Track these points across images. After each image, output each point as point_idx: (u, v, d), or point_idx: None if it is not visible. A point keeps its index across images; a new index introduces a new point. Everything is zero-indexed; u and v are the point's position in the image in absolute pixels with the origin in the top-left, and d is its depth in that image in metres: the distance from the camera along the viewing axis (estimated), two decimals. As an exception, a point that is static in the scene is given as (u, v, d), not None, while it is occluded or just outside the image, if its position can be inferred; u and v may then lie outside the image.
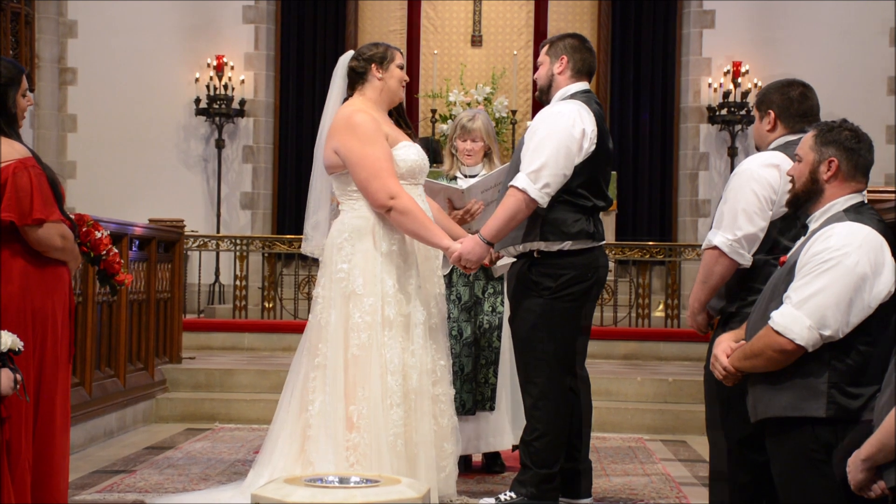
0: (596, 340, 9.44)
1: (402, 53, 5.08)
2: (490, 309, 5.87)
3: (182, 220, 9.02)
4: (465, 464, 5.96)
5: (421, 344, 4.77)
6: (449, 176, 6.02)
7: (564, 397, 5.04)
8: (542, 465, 4.98)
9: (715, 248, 4.01)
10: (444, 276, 5.70)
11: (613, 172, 11.11)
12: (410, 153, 4.90)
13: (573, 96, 5.03)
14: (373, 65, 4.94)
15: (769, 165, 4.01)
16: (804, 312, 3.42)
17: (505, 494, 5.04)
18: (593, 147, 4.94)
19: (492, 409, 5.85)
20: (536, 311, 4.99)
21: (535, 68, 5.25)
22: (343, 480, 3.29)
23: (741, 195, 3.99)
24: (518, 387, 5.28)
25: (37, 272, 4.00)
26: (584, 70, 5.09)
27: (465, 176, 5.98)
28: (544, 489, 4.98)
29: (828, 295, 3.41)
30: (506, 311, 5.64)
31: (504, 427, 5.89)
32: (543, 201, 4.85)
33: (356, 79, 4.97)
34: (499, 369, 5.86)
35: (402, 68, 5.02)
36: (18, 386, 3.70)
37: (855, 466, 3.20)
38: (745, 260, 4.00)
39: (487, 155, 6.01)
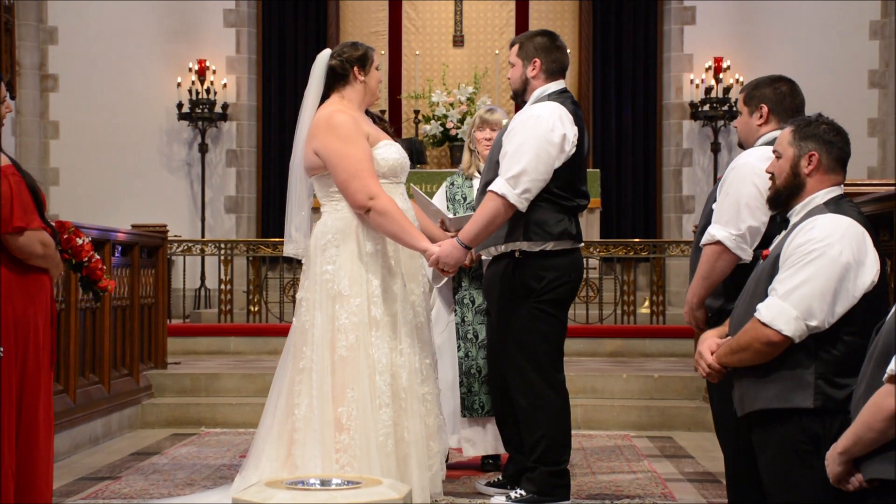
0: (582, 338, 9.51)
1: (377, 53, 5.10)
2: None
3: (165, 225, 9.01)
4: (494, 464, 6.05)
5: (409, 343, 4.76)
6: (467, 175, 6.05)
7: (559, 394, 5.06)
8: (550, 463, 4.99)
9: (717, 242, 4.01)
10: (454, 279, 5.71)
11: (596, 170, 11.14)
12: (391, 152, 4.88)
13: (549, 96, 5.03)
14: (355, 66, 4.90)
15: (768, 159, 4.02)
16: (790, 303, 3.43)
17: (516, 491, 5.05)
18: (574, 150, 4.94)
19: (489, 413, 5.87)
20: (524, 315, 4.99)
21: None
22: (325, 483, 3.30)
23: (743, 189, 3.99)
24: None
25: (18, 280, 3.99)
26: (557, 70, 5.09)
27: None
28: (554, 484, 5.00)
29: (813, 286, 3.42)
30: None
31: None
32: (522, 206, 4.86)
33: (336, 79, 4.91)
34: None
35: (378, 69, 5.02)
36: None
37: (832, 459, 3.22)
38: (747, 255, 3.99)
39: None
